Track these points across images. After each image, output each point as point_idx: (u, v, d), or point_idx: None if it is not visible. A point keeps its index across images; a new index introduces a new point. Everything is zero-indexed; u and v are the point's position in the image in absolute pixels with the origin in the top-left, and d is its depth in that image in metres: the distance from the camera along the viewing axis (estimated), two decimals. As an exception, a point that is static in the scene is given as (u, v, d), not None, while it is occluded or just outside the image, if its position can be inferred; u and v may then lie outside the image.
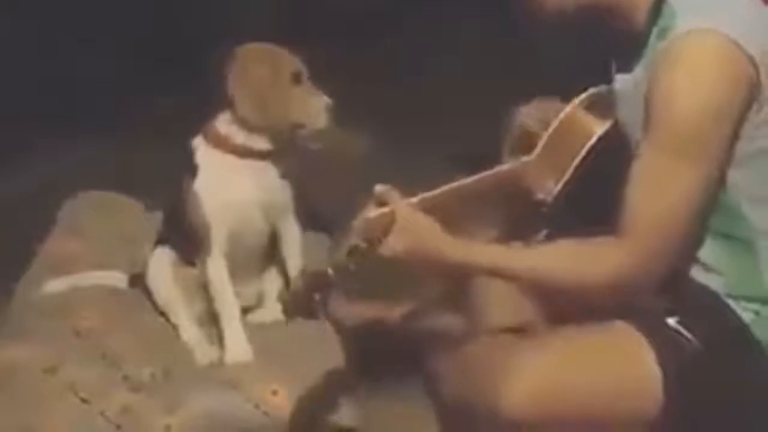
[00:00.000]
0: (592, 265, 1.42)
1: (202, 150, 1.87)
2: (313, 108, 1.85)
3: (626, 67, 1.49)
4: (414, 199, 1.49)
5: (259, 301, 2.00)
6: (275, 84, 1.84)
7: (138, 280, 2.02)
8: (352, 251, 1.42)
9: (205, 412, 1.70)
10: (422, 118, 3.08)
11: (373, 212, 1.47)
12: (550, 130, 1.56)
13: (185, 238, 1.90)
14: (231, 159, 1.86)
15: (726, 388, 1.45)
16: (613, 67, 1.56)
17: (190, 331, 1.92)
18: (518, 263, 1.46)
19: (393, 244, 1.44)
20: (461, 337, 1.51)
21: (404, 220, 1.45)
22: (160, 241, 1.97)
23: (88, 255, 2.14)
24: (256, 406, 1.69)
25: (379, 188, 1.49)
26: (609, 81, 1.58)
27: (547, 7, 1.49)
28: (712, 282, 1.48)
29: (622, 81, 1.52)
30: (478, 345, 1.50)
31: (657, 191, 1.39)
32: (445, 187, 1.52)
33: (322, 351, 1.80)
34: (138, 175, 2.64)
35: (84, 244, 2.17)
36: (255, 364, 1.80)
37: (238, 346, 1.83)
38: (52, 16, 3.35)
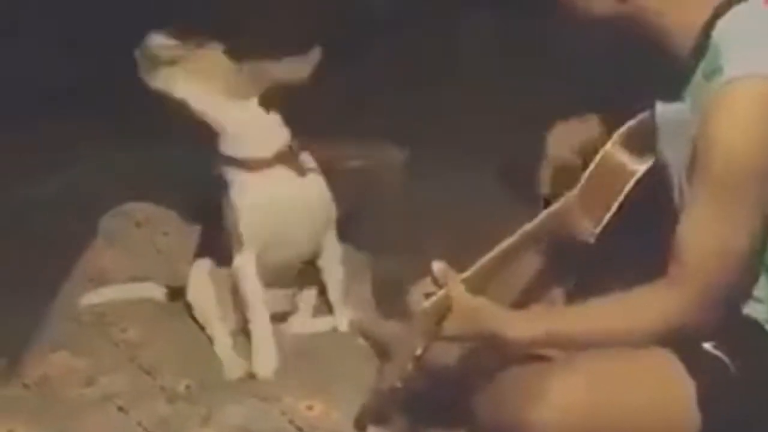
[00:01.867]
0: (646, 314, 1.43)
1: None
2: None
3: (667, 95, 1.48)
4: (467, 274, 1.49)
5: (294, 310, 2.02)
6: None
7: (178, 294, 2.04)
8: (417, 360, 1.44)
9: (240, 425, 1.71)
10: (459, 129, 3.07)
11: (428, 301, 1.47)
12: (589, 170, 1.55)
13: (223, 245, 1.92)
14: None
15: (763, 415, 1.43)
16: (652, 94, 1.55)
17: (223, 344, 1.94)
18: (574, 327, 1.46)
19: (450, 332, 1.47)
20: (494, 366, 1.51)
21: (459, 306, 1.46)
22: (200, 253, 1.99)
23: (127, 267, 2.17)
24: (291, 421, 1.70)
25: (436, 266, 1.49)
26: (640, 103, 1.57)
27: (581, 17, 1.48)
28: (753, 310, 1.48)
29: (664, 111, 1.50)
30: (510, 371, 1.50)
31: (707, 236, 1.39)
32: (495, 252, 1.52)
33: (358, 367, 1.81)
34: (175, 185, 2.67)
35: (123, 255, 2.20)
36: (291, 378, 1.81)
37: (266, 356, 1.86)
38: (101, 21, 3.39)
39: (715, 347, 1.45)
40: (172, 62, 1.87)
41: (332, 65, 1.88)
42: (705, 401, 1.42)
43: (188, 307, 1.99)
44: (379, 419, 1.52)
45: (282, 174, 1.89)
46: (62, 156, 2.99)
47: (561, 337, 1.46)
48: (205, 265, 1.97)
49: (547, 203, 1.59)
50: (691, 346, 1.45)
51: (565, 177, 1.59)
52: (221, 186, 1.91)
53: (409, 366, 1.44)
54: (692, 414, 1.42)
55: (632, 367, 1.45)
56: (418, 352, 1.45)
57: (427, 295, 1.49)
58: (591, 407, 1.41)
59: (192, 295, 1.97)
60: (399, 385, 1.45)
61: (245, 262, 1.89)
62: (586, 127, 1.65)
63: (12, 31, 3.33)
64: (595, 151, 1.57)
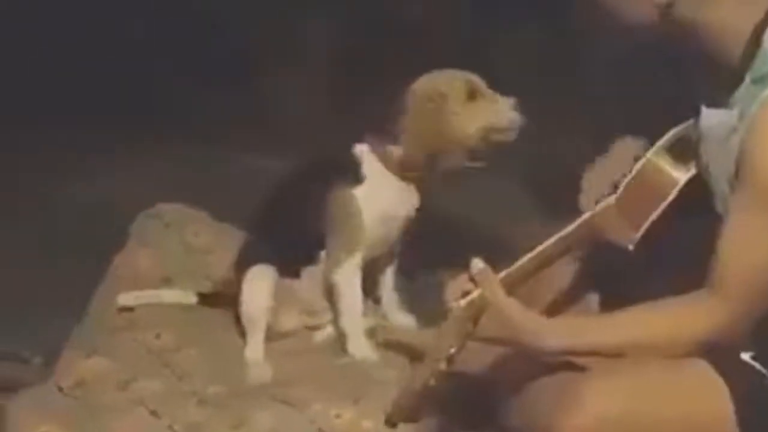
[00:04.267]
0: (685, 325, 1.41)
1: (368, 161, 1.94)
2: (498, 111, 1.91)
3: (713, 102, 1.46)
4: (503, 274, 1.48)
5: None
6: (443, 114, 1.90)
7: (209, 299, 2.05)
8: (450, 359, 1.43)
9: (269, 430, 1.71)
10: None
11: (464, 300, 1.46)
12: (630, 176, 1.52)
13: (291, 248, 1.95)
14: (393, 177, 1.94)
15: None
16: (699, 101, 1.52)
17: (256, 350, 1.95)
18: (610, 337, 1.44)
19: (484, 333, 1.45)
20: (528, 370, 1.50)
21: (494, 309, 1.44)
22: (249, 258, 1.99)
23: (159, 269, 2.18)
24: (320, 429, 1.71)
25: (474, 264, 1.48)
26: (689, 111, 1.54)
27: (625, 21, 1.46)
28: None
29: (709, 118, 1.48)
30: (545, 376, 1.48)
31: (748, 249, 1.37)
32: (532, 254, 1.50)
33: (386, 376, 1.81)
34: (201, 188, 2.68)
35: (156, 258, 2.20)
36: (320, 386, 1.81)
37: (360, 348, 1.91)
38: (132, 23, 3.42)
39: (754, 358, 1.43)
40: None
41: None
42: (743, 414, 1.39)
43: (217, 311, 2.00)
44: (411, 418, 1.49)
45: (400, 182, 1.97)
46: (99, 159, 3.02)
47: (596, 347, 1.44)
48: (265, 271, 1.96)
49: None
50: (729, 358, 1.43)
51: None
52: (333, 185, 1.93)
53: (443, 365, 1.43)
54: (730, 426, 1.40)
55: (670, 378, 1.43)
56: (452, 351, 1.43)
57: (464, 294, 1.47)
58: (627, 416, 1.39)
59: (246, 299, 1.96)
60: (432, 383, 1.43)
61: (352, 274, 1.94)
62: (618, 164, 1.63)
63: (46, 31, 3.37)
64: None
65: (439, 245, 2.24)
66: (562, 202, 1.81)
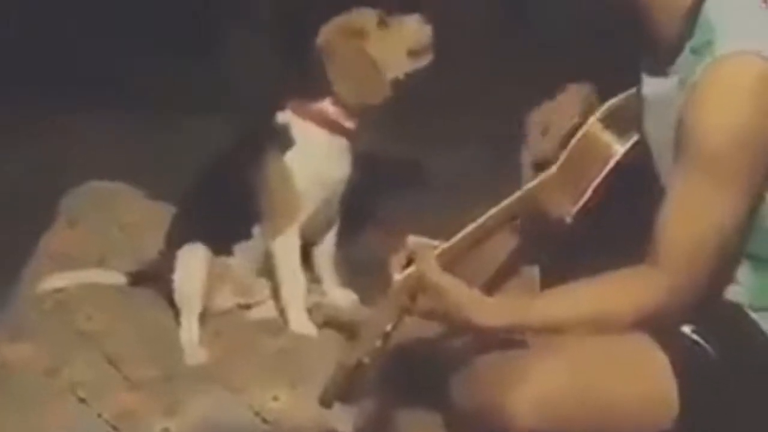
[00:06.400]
0: (625, 299, 1.39)
1: (296, 124, 1.90)
2: (413, 29, 1.92)
3: (653, 70, 1.43)
4: (440, 249, 1.43)
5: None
6: (365, 50, 1.89)
7: (139, 278, 1.99)
8: (386, 336, 1.39)
9: (204, 417, 1.67)
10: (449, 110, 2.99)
11: (400, 276, 1.42)
12: (569, 148, 1.50)
13: (224, 224, 1.91)
14: (326, 134, 1.91)
15: (743, 400, 1.40)
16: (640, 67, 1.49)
17: (191, 331, 1.89)
18: (546, 315, 1.41)
19: (422, 309, 1.41)
20: (472, 348, 1.46)
21: (429, 283, 1.40)
22: (182, 236, 1.93)
23: (90, 249, 2.11)
24: (257, 413, 1.67)
25: (410, 240, 1.45)
26: (631, 80, 1.51)
27: None
28: (734, 294, 1.44)
29: (650, 86, 1.46)
30: (488, 353, 1.45)
31: (691, 219, 1.36)
32: (470, 228, 1.46)
33: (325, 357, 1.75)
34: (138, 161, 2.60)
35: (85, 237, 2.14)
36: (256, 368, 1.77)
37: (302, 324, 1.88)
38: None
39: (695, 332, 1.42)
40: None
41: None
42: (683, 386, 1.39)
43: (148, 291, 1.94)
44: (345, 396, 1.45)
45: (342, 142, 1.93)
46: (28, 129, 2.91)
47: (533, 325, 1.42)
48: (198, 249, 1.91)
49: None
50: (671, 332, 1.42)
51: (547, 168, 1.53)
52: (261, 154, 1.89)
53: (378, 342, 1.39)
54: (671, 399, 1.39)
55: (611, 352, 1.41)
56: (388, 327, 1.39)
57: (403, 269, 1.43)
58: (570, 392, 1.38)
59: (180, 279, 1.91)
60: (366, 361, 1.39)
61: (292, 242, 1.90)
62: (566, 106, 1.59)
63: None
64: (576, 130, 1.52)
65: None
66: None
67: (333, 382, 1.44)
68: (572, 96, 1.61)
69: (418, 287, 1.40)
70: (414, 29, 1.94)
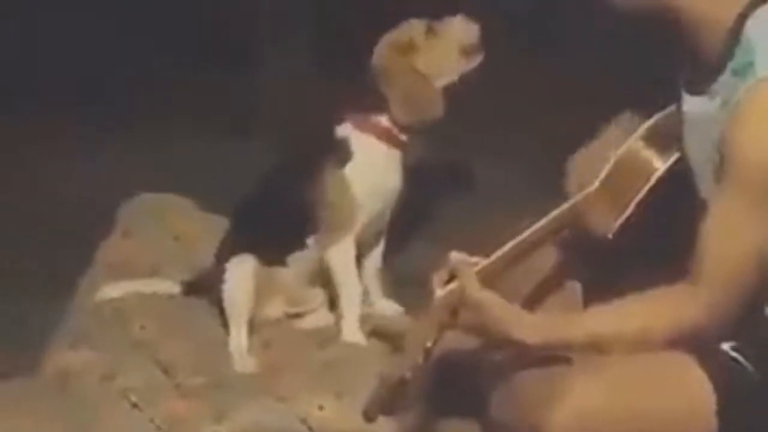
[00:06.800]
0: (665, 317, 1.39)
1: (356, 137, 1.95)
2: (460, 29, 1.96)
3: (695, 89, 1.44)
4: (481, 265, 1.45)
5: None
6: (417, 61, 1.94)
7: (193, 288, 2.03)
8: (427, 352, 1.41)
9: (251, 423, 1.71)
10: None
11: (442, 292, 1.43)
12: (610, 164, 1.51)
13: (278, 235, 1.95)
14: (384, 147, 1.96)
15: (782, 417, 1.40)
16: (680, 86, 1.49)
17: (239, 339, 1.93)
18: (586, 332, 1.42)
19: (463, 324, 1.43)
20: (512, 364, 1.48)
21: (470, 299, 1.42)
22: (233, 248, 1.97)
23: (144, 259, 2.16)
24: (303, 421, 1.70)
25: (452, 256, 1.46)
26: (671, 98, 1.52)
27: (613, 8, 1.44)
28: None
29: (691, 105, 1.46)
30: (529, 369, 1.46)
31: (730, 238, 1.36)
32: (511, 244, 1.48)
33: (369, 368, 1.77)
34: (186, 173, 2.66)
35: (140, 247, 2.19)
36: (304, 377, 1.80)
37: (353, 333, 1.92)
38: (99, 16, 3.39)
39: (734, 349, 1.41)
40: None
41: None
42: (722, 404, 1.38)
43: (202, 301, 1.99)
44: (388, 410, 1.47)
45: (397, 154, 1.99)
46: (80, 147, 3.00)
47: (572, 343, 1.43)
48: (246, 261, 1.95)
49: None
50: (710, 349, 1.41)
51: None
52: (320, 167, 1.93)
53: (420, 358, 1.41)
54: (710, 417, 1.38)
55: (650, 370, 1.41)
56: (429, 343, 1.41)
57: (445, 285, 1.45)
58: (609, 411, 1.38)
59: (228, 289, 1.94)
60: (408, 376, 1.42)
61: (349, 252, 1.95)
62: (611, 143, 1.59)
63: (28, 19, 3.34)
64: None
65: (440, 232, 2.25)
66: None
67: (376, 396, 1.46)
68: (613, 134, 1.63)
69: (459, 303, 1.42)
70: (462, 28, 1.96)
